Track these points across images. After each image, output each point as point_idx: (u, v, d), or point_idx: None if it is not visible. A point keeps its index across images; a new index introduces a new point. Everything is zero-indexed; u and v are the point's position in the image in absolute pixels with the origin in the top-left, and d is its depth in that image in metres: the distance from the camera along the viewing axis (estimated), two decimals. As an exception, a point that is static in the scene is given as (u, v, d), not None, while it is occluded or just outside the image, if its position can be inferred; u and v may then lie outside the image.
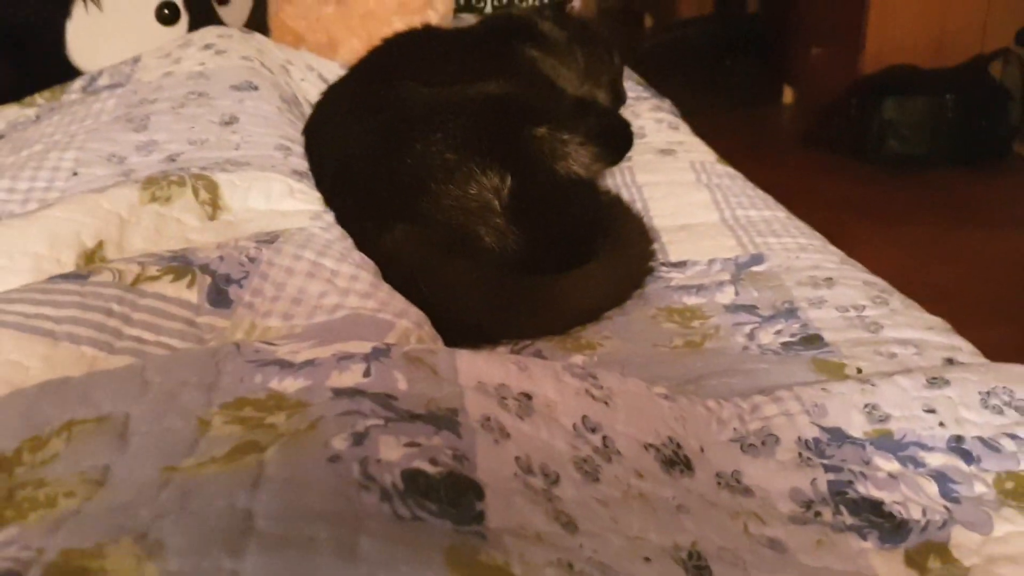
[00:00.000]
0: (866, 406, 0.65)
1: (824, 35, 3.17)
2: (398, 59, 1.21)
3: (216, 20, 1.40)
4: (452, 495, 0.42)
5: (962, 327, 0.84)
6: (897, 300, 0.87)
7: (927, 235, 2.43)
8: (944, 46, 2.95)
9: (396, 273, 0.85)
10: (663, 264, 0.98)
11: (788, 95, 3.49)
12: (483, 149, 0.92)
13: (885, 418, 0.64)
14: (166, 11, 1.33)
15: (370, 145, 0.97)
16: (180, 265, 0.74)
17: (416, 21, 1.58)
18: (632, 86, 1.60)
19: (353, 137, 1.01)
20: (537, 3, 2.12)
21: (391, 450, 0.43)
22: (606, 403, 0.59)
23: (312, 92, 1.30)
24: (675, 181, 1.19)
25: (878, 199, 2.68)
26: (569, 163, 0.97)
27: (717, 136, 3.14)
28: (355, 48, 1.58)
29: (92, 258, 0.79)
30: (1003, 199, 2.65)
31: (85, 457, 0.44)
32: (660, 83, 3.64)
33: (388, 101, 1.03)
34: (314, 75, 1.38)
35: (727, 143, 3.13)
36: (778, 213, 1.09)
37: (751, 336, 0.82)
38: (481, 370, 0.56)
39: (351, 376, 0.50)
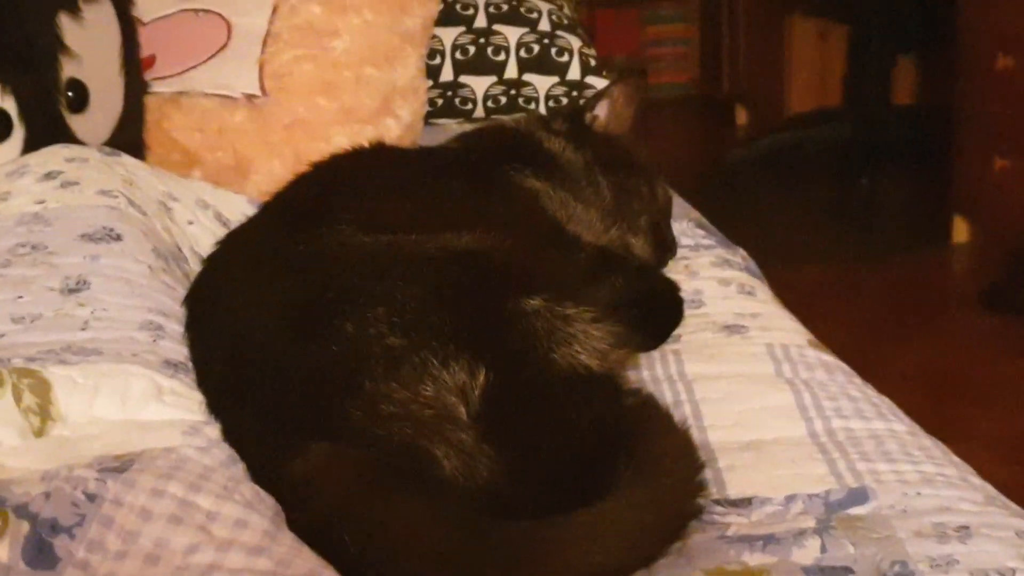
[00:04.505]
0: None
1: (1018, 141, 3.32)
2: (332, 193, 1.35)
3: (66, 135, 1.55)
4: None
5: None
6: (1070, 562, 0.94)
7: None
8: None
9: (308, 515, 0.93)
10: (717, 502, 1.05)
11: (961, 231, 3.63)
12: (445, 331, 1.03)
13: None
14: (-9, 122, 1.49)
15: (279, 323, 1.08)
16: (-14, 505, 0.84)
17: (367, 135, 1.74)
18: (688, 229, 1.73)
19: (256, 310, 1.13)
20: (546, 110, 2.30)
21: None
22: None
23: (204, 240, 1.44)
24: (743, 374, 1.28)
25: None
26: (575, 350, 1.07)
27: (845, 295, 3.29)
28: (274, 173, 1.74)
29: None
30: None
31: None
32: (756, 212, 3.78)
33: (311, 257, 1.16)
34: (209, 215, 1.52)
35: (861, 305, 3.26)
36: (896, 426, 1.18)
37: (842, 618, 0.89)
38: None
39: None
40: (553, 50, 2.36)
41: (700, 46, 5.53)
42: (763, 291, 1.56)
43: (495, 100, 2.36)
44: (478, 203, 1.34)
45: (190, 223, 1.49)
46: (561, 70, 2.35)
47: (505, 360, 1.03)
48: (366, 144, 1.54)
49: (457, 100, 2.37)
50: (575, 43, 2.39)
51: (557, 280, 1.17)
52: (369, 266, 1.11)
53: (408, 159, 1.56)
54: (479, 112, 2.37)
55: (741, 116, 5.12)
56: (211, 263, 1.30)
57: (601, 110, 1.60)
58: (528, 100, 2.35)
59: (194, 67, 1.90)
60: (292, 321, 1.08)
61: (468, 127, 1.97)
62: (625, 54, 5.15)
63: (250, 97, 1.87)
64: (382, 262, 1.12)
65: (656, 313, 1.41)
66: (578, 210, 1.45)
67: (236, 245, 1.32)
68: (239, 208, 1.57)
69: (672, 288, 1.47)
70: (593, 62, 2.38)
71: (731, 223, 1.95)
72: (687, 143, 4.94)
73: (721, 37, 5.27)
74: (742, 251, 1.70)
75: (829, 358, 1.35)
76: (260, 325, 1.10)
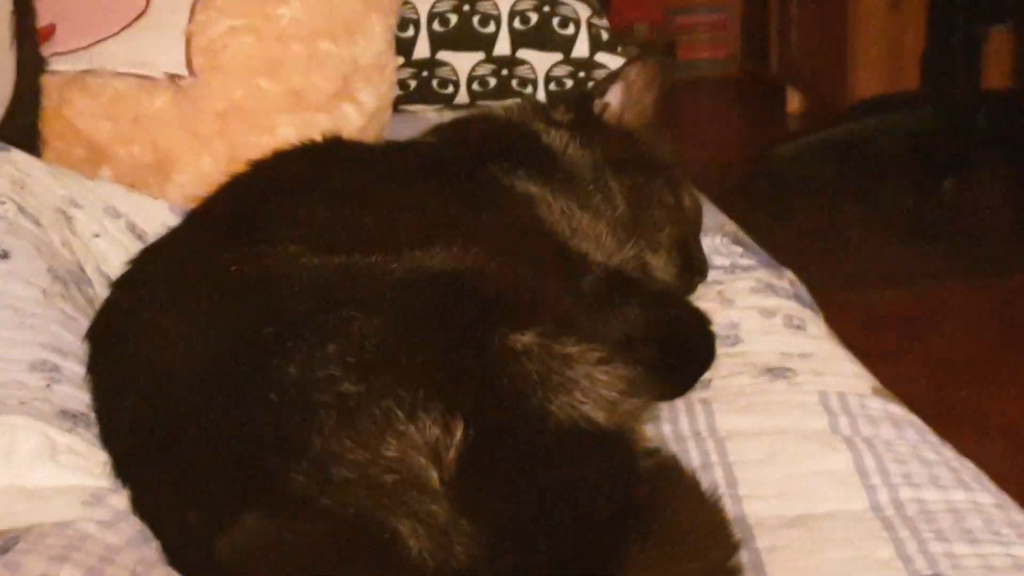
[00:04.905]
0: None
1: None
2: (275, 200, 1.36)
3: (-57, 126, 1.56)
4: None
5: None
6: None
7: None
8: None
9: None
10: (755, 593, 1.06)
11: (1072, 250, 3.64)
12: (413, 374, 1.03)
13: None
14: None
15: (206, 364, 1.09)
16: None
17: (320, 126, 1.74)
18: (722, 245, 1.74)
19: (177, 348, 1.13)
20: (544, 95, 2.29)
21: None
22: None
23: (114, 257, 1.45)
24: (789, 430, 1.29)
25: None
26: (576, 399, 1.08)
27: (923, 328, 3.28)
28: (204, 173, 1.74)
29: None
30: None
31: None
32: (810, 224, 3.75)
33: (246, 281, 1.16)
34: (120, 225, 1.52)
35: (944, 340, 3.24)
36: (981, 497, 1.18)
37: None
38: None
39: None
40: (555, 20, 2.35)
41: (742, 14, 5.50)
42: (816, 324, 1.56)
43: (482, 82, 2.36)
44: (457, 213, 1.34)
45: (96, 236, 1.49)
46: (565, 45, 2.35)
47: (488, 411, 1.03)
48: (319, 138, 1.55)
49: (435, 82, 2.37)
50: (583, 11, 2.38)
51: (555, 310, 1.17)
52: (319, 293, 1.12)
53: (371, 157, 1.56)
54: (462, 97, 2.37)
55: (793, 102, 5.11)
56: (122, 287, 1.31)
57: (614, 96, 1.60)
58: (523, 82, 2.35)
59: (104, 39, 1.90)
60: (222, 362, 1.08)
61: (448, 116, 1.97)
62: (647, 24, 5.12)
63: (174, 77, 1.87)
64: (335, 288, 1.12)
65: (680, 352, 1.41)
66: (584, 222, 1.45)
67: (154, 265, 1.32)
68: (158, 217, 1.58)
69: (701, 321, 1.47)
70: (605, 35, 2.37)
71: (777, 237, 1.96)
72: (724, 136, 4.94)
73: (769, 2, 5.27)
74: (790, 273, 1.71)
75: (898, 410, 1.35)
76: (182, 367, 1.11)
